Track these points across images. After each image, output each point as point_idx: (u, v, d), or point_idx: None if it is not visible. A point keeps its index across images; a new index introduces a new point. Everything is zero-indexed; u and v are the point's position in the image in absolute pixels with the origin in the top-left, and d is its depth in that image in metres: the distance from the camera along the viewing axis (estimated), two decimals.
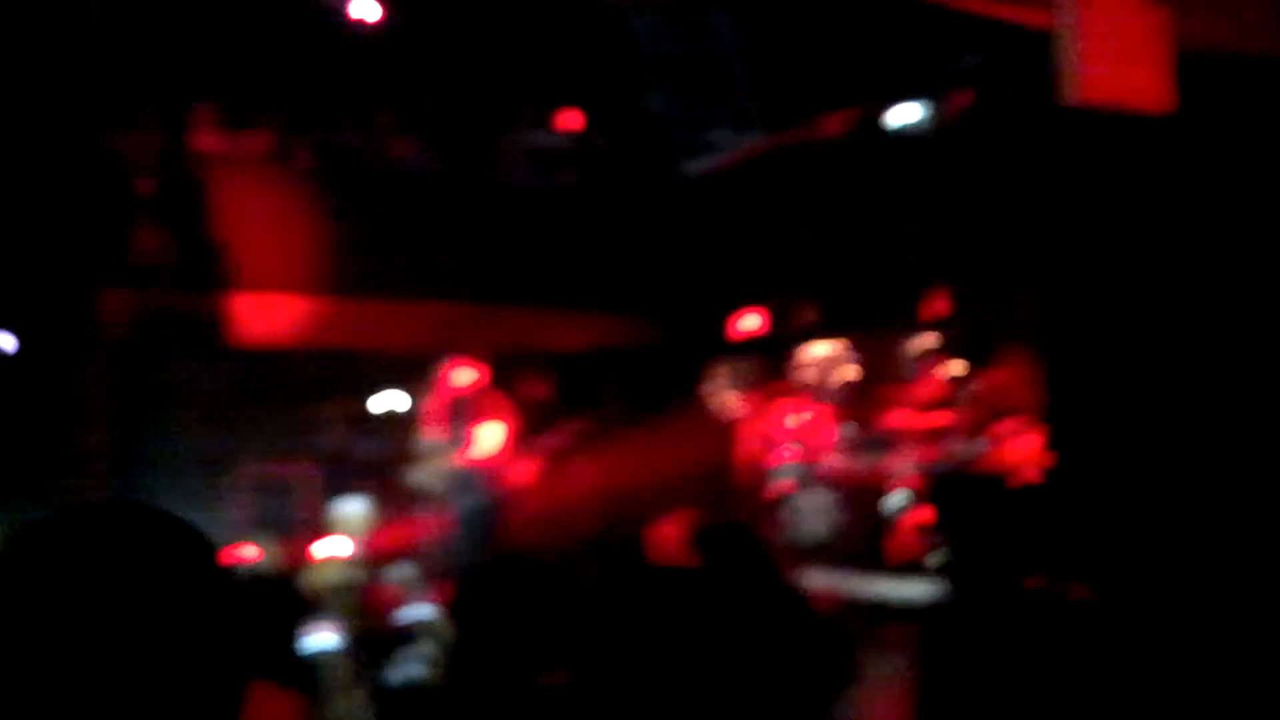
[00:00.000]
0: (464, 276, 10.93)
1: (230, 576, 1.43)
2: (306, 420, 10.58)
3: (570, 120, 11.44)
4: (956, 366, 10.76)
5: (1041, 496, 5.22)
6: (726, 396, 11.42)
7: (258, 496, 9.97)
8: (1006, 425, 9.85)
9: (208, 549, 1.42)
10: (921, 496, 9.37)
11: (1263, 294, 5.81)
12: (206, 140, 10.61)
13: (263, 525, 9.41)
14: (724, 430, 10.92)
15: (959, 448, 10.15)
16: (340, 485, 9.85)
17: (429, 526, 9.04)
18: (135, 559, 1.36)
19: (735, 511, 9.44)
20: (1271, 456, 5.50)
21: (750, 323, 11.59)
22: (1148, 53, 4.97)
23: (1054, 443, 6.83)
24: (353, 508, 8.80)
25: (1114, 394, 6.24)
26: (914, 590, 7.57)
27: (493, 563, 3.18)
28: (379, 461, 10.33)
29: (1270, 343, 5.77)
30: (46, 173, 9.20)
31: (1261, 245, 5.80)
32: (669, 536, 8.84)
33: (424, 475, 9.08)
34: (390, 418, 10.55)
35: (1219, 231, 5.85)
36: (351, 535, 8.85)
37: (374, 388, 10.81)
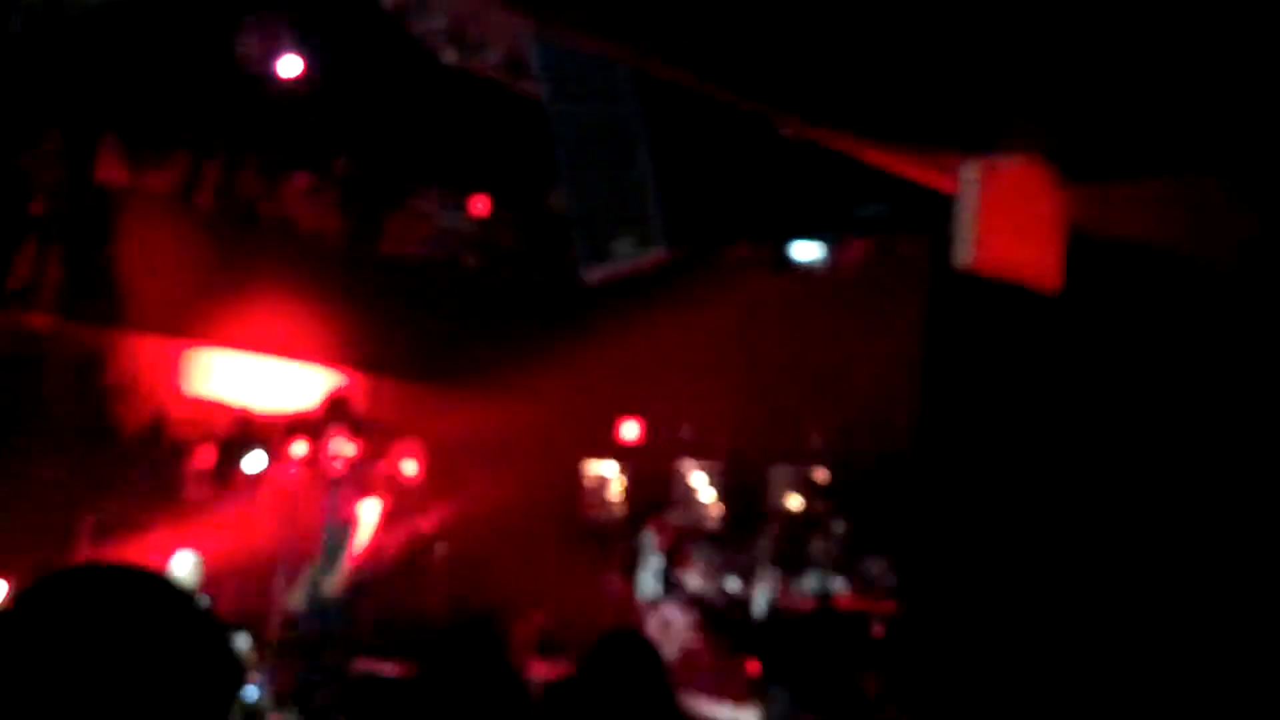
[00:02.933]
0: (351, 344, 10.83)
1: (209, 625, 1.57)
2: (168, 469, 10.33)
3: (478, 205, 11.47)
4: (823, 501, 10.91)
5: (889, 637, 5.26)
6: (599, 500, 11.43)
7: (111, 539, 9.65)
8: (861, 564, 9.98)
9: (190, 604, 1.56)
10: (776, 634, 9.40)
11: (1135, 462, 5.93)
12: (109, 171, 10.45)
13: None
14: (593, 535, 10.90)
15: (815, 582, 10.23)
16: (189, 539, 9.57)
17: (274, 597, 8.72)
18: (128, 614, 1.50)
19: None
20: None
21: (632, 431, 11.64)
22: (1042, 229, 5.10)
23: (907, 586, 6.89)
24: (183, 563, 8.36)
25: (978, 535, 6.33)
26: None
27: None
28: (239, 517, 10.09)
29: (1143, 516, 5.88)
30: None
31: (1135, 426, 5.94)
32: (522, 637, 8.77)
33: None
34: (258, 478, 10.32)
35: (1096, 404, 5.98)
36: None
37: (246, 446, 10.59)
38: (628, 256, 5.93)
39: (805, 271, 9.02)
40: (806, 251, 8.76)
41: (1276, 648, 5.06)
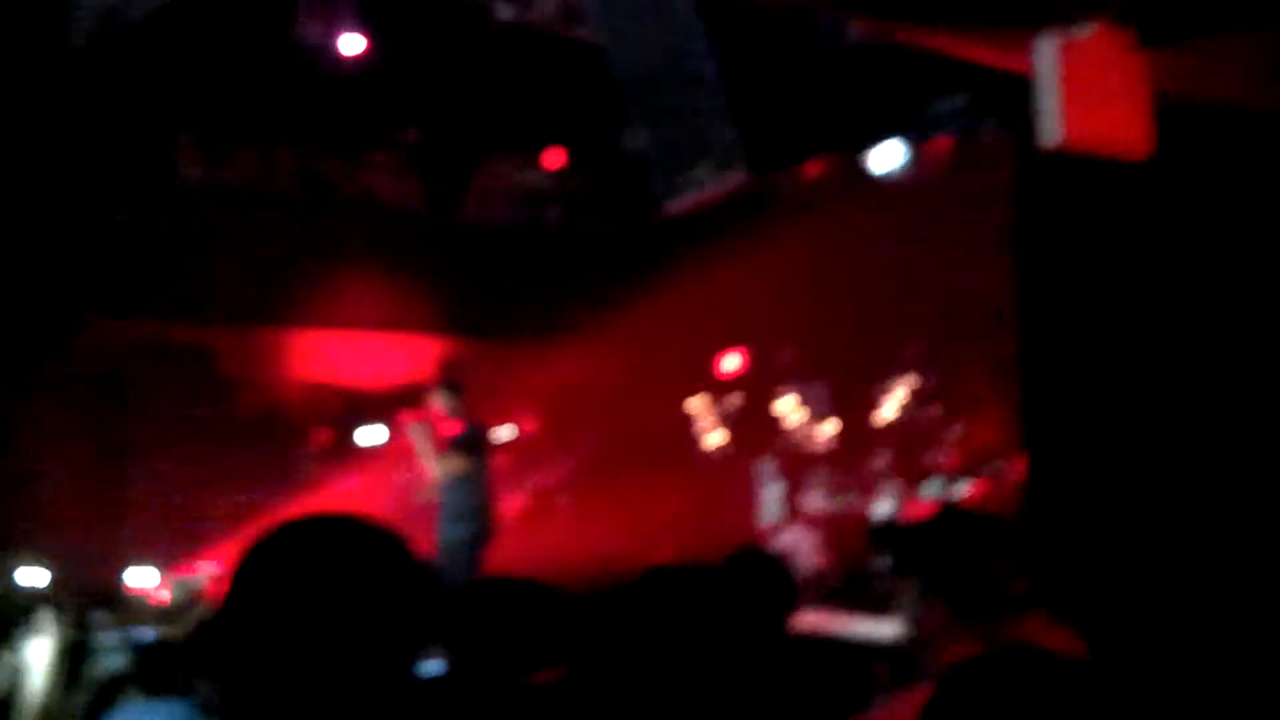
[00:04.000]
0: (444, 312, 10.93)
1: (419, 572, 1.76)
2: (291, 452, 10.55)
3: (553, 158, 11.47)
4: (935, 409, 10.83)
5: (1019, 534, 5.21)
6: (709, 436, 11.46)
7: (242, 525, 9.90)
8: (984, 466, 9.89)
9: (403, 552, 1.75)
10: (901, 535, 9.37)
11: (1237, 335, 5.83)
12: (191, 171, 10.62)
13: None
14: (710, 469, 10.94)
15: (938, 488, 10.18)
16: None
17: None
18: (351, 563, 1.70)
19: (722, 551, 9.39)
20: (1251, 496, 5.51)
21: (732, 363, 11.62)
22: (1126, 98, 5.00)
23: (1031, 482, 6.84)
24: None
25: (1091, 435, 6.26)
26: (892, 630, 7.56)
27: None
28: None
29: (1246, 385, 5.79)
30: (34, 202, 9.20)
31: (1235, 289, 5.83)
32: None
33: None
34: (373, 451, 10.50)
35: (1194, 276, 5.88)
36: None
37: (358, 421, 10.78)
38: (707, 184, 5.92)
39: (887, 181, 8.92)
40: (886, 160, 8.65)
41: None
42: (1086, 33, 4.64)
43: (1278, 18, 4.70)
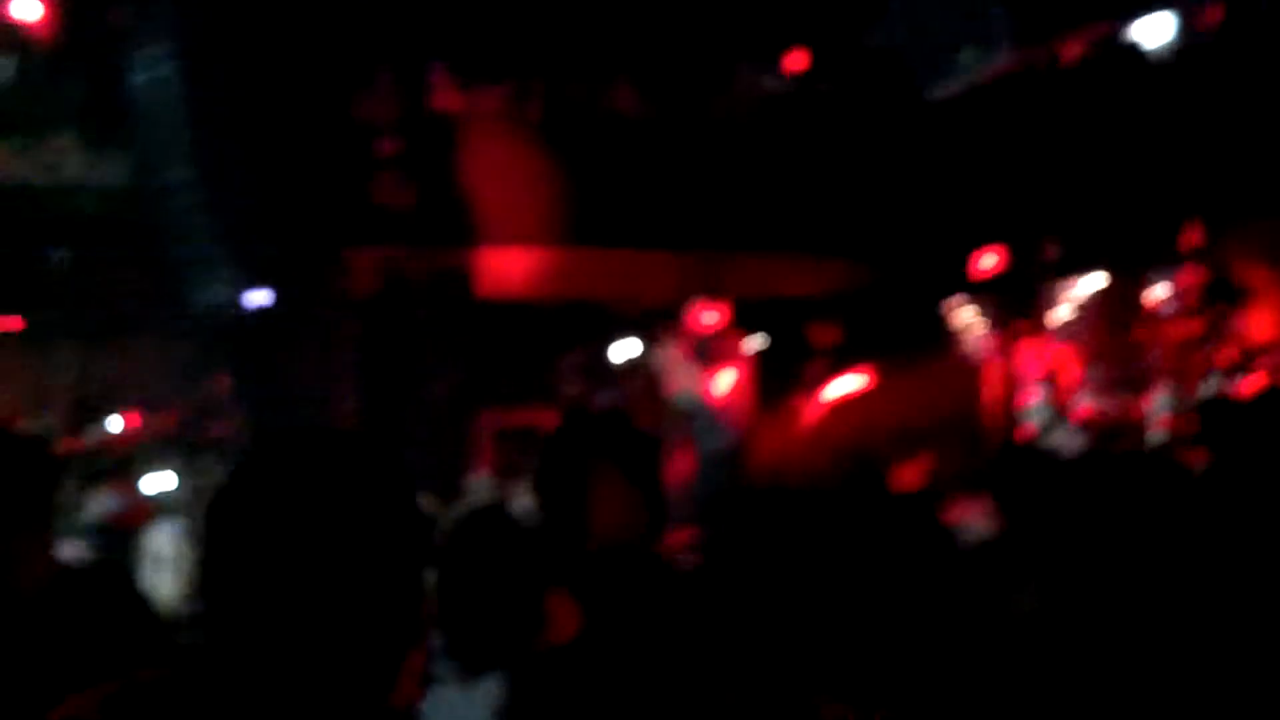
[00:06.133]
0: (697, 225, 10.89)
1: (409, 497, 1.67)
2: (549, 370, 10.74)
3: (796, 61, 11.24)
4: (1208, 303, 10.29)
5: None
6: (972, 336, 11.16)
7: (503, 445, 10.16)
8: (1261, 363, 9.39)
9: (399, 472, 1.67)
10: (1178, 435, 8.99)
11: None
12: (441, 99, 10.82)
13: (509, 473, 9.58)
14: (970, 371, 10.66)
15: (1213, 386, 9.71)
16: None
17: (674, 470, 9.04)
18: (343, 479, 1.63)
19: (982, 455, 9.20)
20: None
21: (991, 260, 11.26)
22: None
23: None
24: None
25: None
26: None
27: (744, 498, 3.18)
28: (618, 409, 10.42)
29: None
30: (294, 136, 9.51)
31: None
32: (912, 479, 8.70)
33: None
34: (631, 367, 10.60)
35: None
36: None
37: (613, 337, 10.90)
38: (974, 66, 5.71)
39: (1157, 56, 8.42)
40: (1154, 32, 8.18)
41: None
42: None
43: None
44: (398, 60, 10.37)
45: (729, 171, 10.94)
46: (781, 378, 10.17)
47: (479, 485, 9.28)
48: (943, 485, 8.27)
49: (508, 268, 10.76)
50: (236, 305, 8.94)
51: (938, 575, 2.81)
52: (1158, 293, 10.56)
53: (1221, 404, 8.83)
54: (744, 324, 10.18)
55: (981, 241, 10.89)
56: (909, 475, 8.79)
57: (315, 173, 9.63)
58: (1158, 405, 9.88)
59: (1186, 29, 8.24)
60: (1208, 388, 9.80)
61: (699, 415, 8.70)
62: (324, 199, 9.64)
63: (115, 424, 9.84)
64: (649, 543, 3.31)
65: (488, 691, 2.87)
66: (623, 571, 3.08)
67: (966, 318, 11.17)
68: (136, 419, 9.90)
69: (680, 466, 8.98)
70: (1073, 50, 8.62)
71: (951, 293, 11.13)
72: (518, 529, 2.97)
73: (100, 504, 8.51)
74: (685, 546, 3.83)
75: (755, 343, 10.68)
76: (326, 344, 9.88)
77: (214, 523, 1.60)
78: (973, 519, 5.08)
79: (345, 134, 9.96)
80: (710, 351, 8.83)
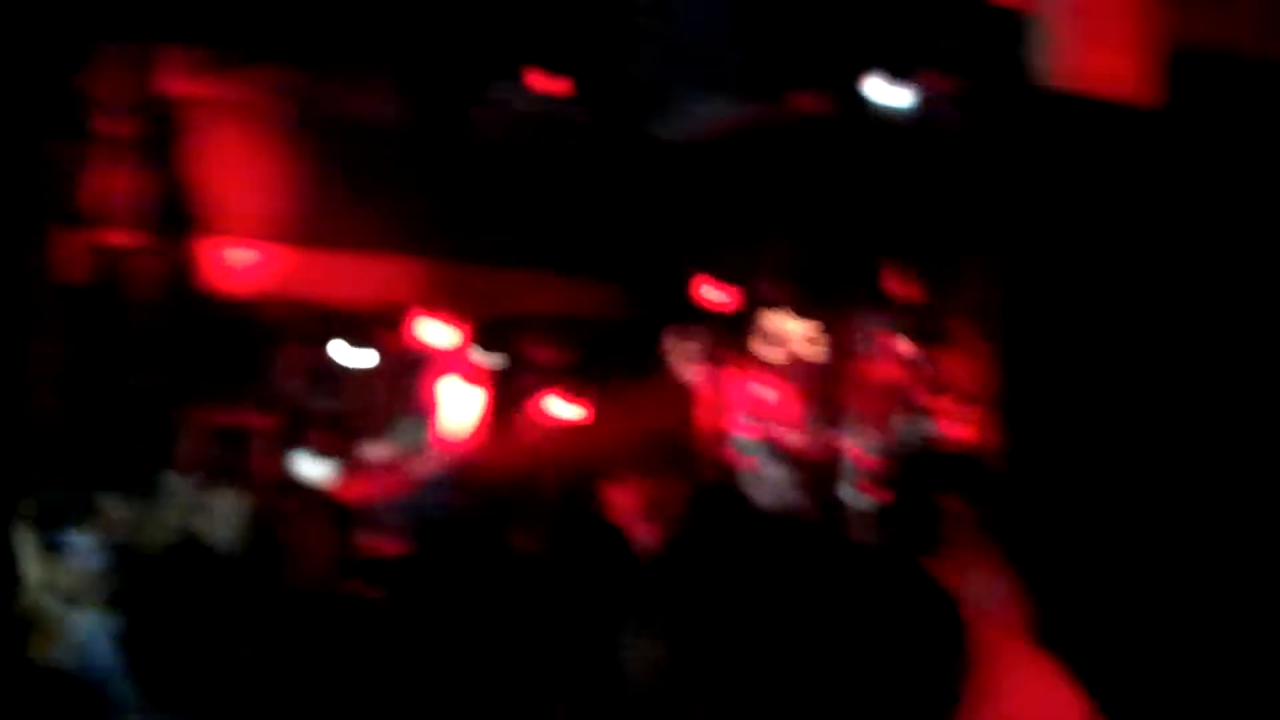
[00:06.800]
0: (433, 233, 10.86)
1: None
2: (265, 369, 10.50)
3: (549, 83, 11.32)
4: (910, 346, 10.82)
5: (989, 475, 5.24)
6: (688, 366, 11.42)
7: (209, 444, 9.86)
8: (956, 406, 9.92)
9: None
10: (878, 476, 9.42)
11: (1227, 292, 5.85)
12: (175, 84, 10.47)
13: (213, 473, 9.31)
14: (684, 399, 10.92)
15: (911, 427, 10.21)
16: (296, 438, 9.77)
17: (387, 486, 8.95)
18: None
19: (692, 481, 9.43)
20: (1234, 456, 5.55)
21: (714, 293, 11.58)
22: (1131, 40, 4.98)
23: (1005, 424, 6.87)
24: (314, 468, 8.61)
25: (1068, 378, 6.28)
26: None
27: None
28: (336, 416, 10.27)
29: (1232, 343, 5.82)
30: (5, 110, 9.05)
31: (1231, 246, 5.84)
32: (622, 502, 8.86)
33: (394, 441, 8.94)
34: (351, 372, 10.47)
35: (1189, 228, 5.88)
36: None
37: (337, 342, 10.74)
38: (709, 115, 5.90)
39: (886, 119, 8.88)
40: (885, 95, 8.60)
41: None
42: None
43: None
44: (128, 37, 9.98)
45: (475, 185, 10.98)
46: (510, 397, 10.22)
47: (178, 484, 8.98)
48: (647, 511, 8.46)
49: (232, 262, 10.49)
50: None
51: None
52: (865, 335, 11.05)
53: (915, 452, 9.34)
54: (483, 342, 10.20)
55: (703, 274, 11.23)
56: (619, 498, 8.96)
57: (22, 148, 9.19)
58: (859, 444, 10.33)
59: (916, 93, 8.71)
60: (908, 431, 10.32)
61: (419, 430, 8.67)
62: (31, 177, 9.20)
63: None
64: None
65: None
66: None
67: (684, 348, 11.43)
68: None
69: (391, 483, 8.93)
70: (805, 105, 8.98)
71: (673, 322, 11.41)
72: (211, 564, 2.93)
73: None
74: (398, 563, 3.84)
75: (493, 361, 10.71)
76: (27, 329, 9.41)
77: None
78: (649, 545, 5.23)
79: (62, 110, 9.51)
80: (434, 365, 8.81)
